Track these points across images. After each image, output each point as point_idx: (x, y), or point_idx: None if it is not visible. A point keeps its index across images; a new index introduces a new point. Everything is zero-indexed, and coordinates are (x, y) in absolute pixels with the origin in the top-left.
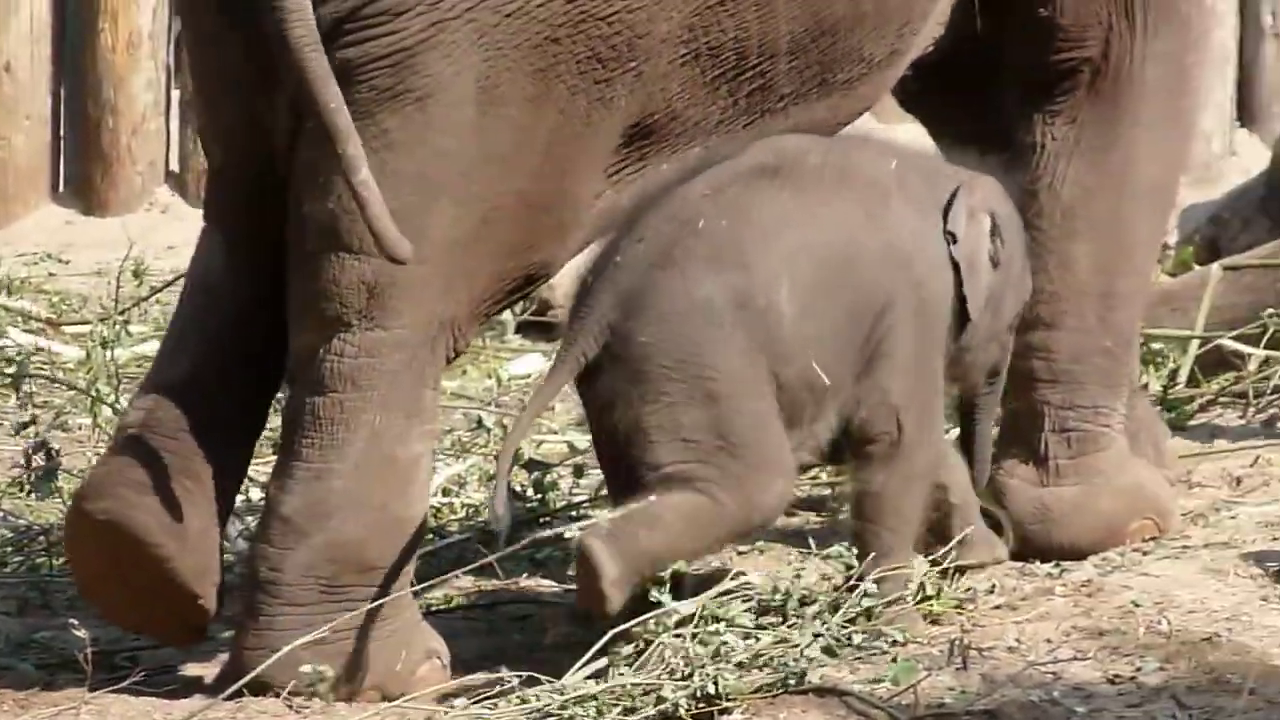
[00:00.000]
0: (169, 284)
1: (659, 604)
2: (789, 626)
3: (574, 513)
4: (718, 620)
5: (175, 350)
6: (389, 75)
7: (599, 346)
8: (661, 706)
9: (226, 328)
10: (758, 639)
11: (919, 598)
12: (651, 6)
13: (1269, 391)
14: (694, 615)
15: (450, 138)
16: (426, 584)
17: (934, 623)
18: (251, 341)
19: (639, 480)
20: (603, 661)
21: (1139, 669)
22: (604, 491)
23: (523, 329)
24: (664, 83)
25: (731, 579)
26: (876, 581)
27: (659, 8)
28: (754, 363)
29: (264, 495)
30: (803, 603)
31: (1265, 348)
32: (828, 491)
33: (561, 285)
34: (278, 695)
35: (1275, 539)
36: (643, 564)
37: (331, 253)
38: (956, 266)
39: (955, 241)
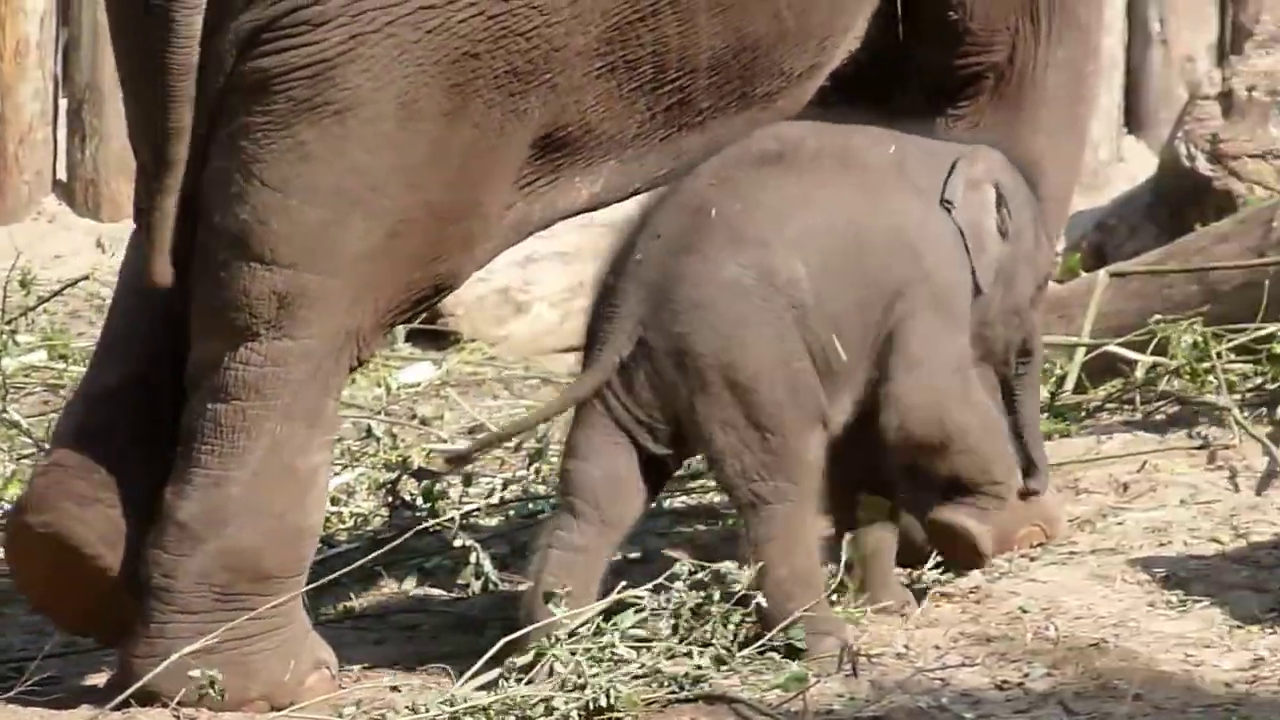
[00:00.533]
0: (56, 293)
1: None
2: (680, 637)
3: (464, 521)
4: (607, 632)
5: (108, 354)
6: (307, 87)
7: (633, 344)
8: (553, 717)
9: (158, 330)
10: (649, 649)
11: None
12: (570, 21)
13: (1156, 398)
14: (585, 626)
15: (366, 152)
16: (315, 588)
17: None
18: (184, 343)
19: (713, 462)
20: (494, 672)
21: (1026, 675)
22: (493, 499)
23: (413, 337)
24: (579, 95)
25: (619, 591)
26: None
27: (578, 21)
28: (784, 335)
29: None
30: (694, 613)
31: (1152, 354)
32: (719, 499)
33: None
34: (165, 705)
35: (1162, 545)
36: None
37: (243, 262)
38: (964, 237)
39: (952, 209)
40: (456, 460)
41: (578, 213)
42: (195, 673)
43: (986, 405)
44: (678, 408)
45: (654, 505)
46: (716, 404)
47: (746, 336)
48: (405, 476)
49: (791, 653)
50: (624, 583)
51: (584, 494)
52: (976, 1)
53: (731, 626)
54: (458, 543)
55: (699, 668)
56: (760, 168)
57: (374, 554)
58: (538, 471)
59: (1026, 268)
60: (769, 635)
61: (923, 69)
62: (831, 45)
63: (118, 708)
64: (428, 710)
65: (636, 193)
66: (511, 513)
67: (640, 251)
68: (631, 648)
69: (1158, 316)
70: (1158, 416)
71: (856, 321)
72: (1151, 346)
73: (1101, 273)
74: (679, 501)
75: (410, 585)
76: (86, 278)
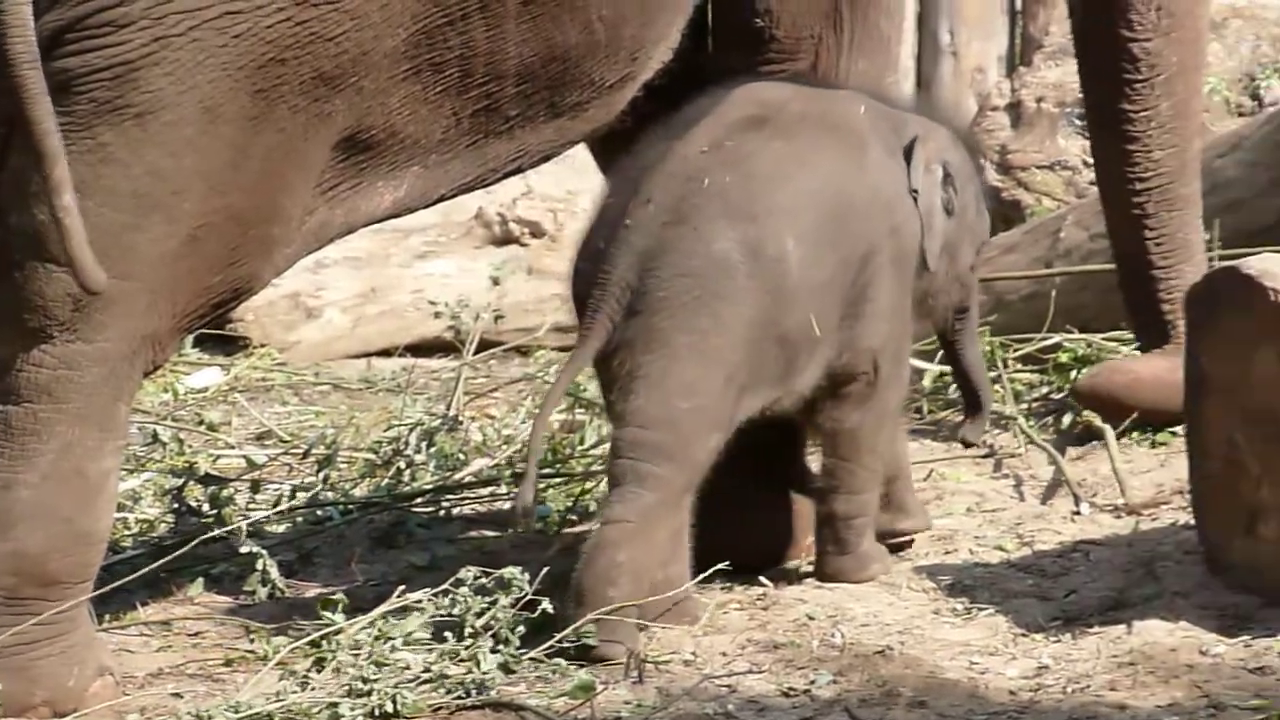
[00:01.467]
0: None
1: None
2: (465, 643)
3: (251, 528)
4: (392, 637)
5: None
6: (109, 88)
7: (622, 308)
8: None
9: None
10: (434, 654)
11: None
12: (380, 24)
13: (942, 407)
14: (369, 631)
15: (168, 156)
16: (100, 594)
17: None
18: None
19: (620, 419)
20: (279, 678)
21: (813, 682)
22: (281, 506)
23: (201, 342)
24: (384, 98)
25: (399, 596)
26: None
27: (387, 25)
28: (761, 316)
29: None
30: (479, 617)
31: (940, 363)
32: (509, 506)
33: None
34: None
35: (948, 553)
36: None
37: (39, 263)
38: (921, 220)
39: (918, 196)
40: (525, 512)
41: (380, 219)
42: None
43: (905, 391)
44: (630, 362)
45: (441, 513)
46: (664, 366)
47: (723, 312)
48: (192, 482)
49: (581, 652)
50: (403, 587)
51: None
52: (782, 10)
53: (518, 632)
54: (244, 549)
55: (485, 673)
56: (748, 133)
57: (160, 560)
58: (326, 479)
59: (969, 239)
60: (558, 638)
61: (729, 76)
62: (644, 56)
63: None
64: (212, 717)
65: (441, 199)
66: (299, 520)
67: (631, 218)
68: (416, 653)
69: None
70: (944, 425)
71: (837, 286)
72: (939, 356)
73: None
74: (468, 509)
75: (196, 591)
76: None
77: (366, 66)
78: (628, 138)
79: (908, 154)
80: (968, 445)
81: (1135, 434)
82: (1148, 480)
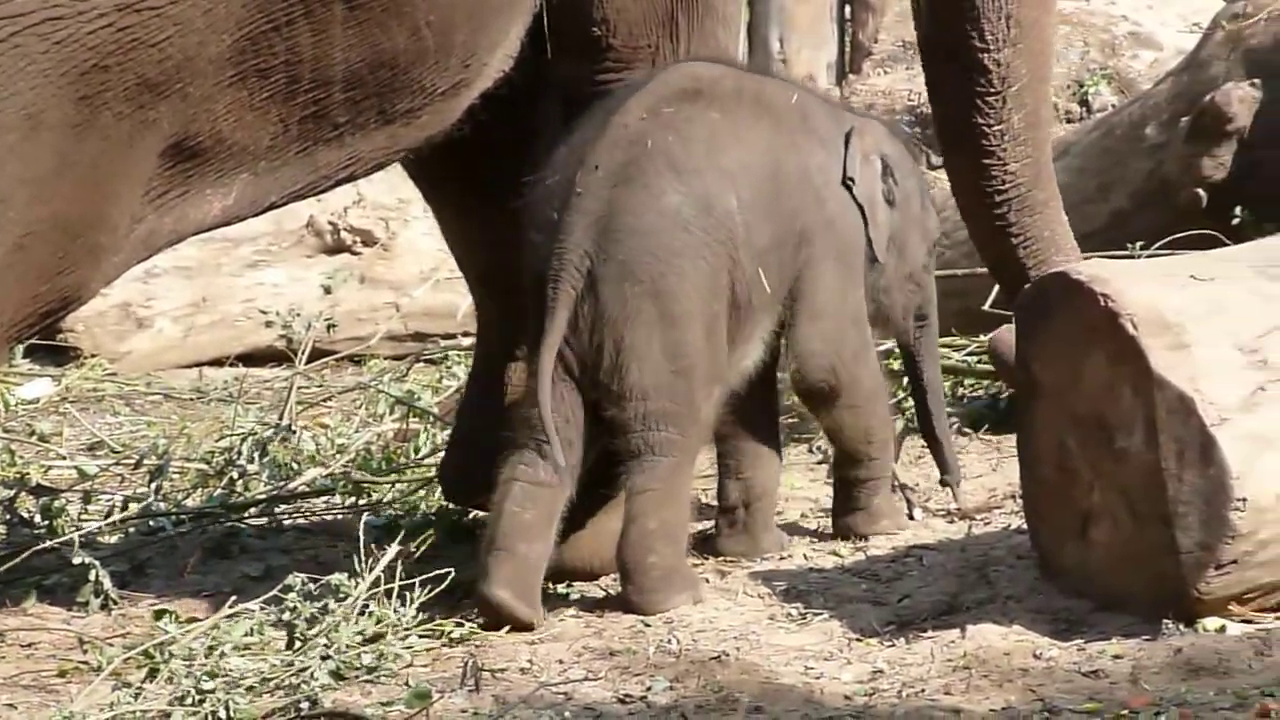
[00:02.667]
0: None
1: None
2: (296, 650)
3: (83, 539)
4: (222, 646)
5: None
6: None
7: (583, 275)
8: None
9: None
10: (267, 662)
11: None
12: (204, 30)
13: (782, 412)
14: (203, 639)
15: None
16: None
17: (446, 644)
18: None
19: (619, 398)
20: (112, 688)
21: (649, 688)
22: (113, 517)
23: (32, 353)
24: (210, 104)
25: (230, 605)
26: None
27: (211, 31)
28: (717, 269)
29: None
30: (311, 624)
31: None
32: (349, 517)
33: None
34: None
35: (783, 558)
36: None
37: None
38: (862, 209)
39: (854, 185)
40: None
41: (210, 227)
42: None
43: (878, 367)
44: (612, 338)
45: (276, 524)
46: (646, 336)
47: (684, 266)
48: (23, 494)
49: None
50: (235, 597)
51: (545, 434)
52: (619, 19)
53: (346, 638)
54: (77, 560)
55: (313, 677)
56: (684, 103)
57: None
58: (158, 490)
59: (916, 233)
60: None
61: (566, 84)
62: (477, 63)
63: None
64: None
65: (271, 207)
66: (131, 530)
67: (580, 185)
68: (250, 661)
69: None
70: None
71: (774, 259)
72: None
73: None
74: (301, 518)
75: (29, 603)
76: None
77: (191, 73)
78: (459, 150)
79: (846, 144)
80: (955, 485)
81: (969, 437)
82: (980, 485)
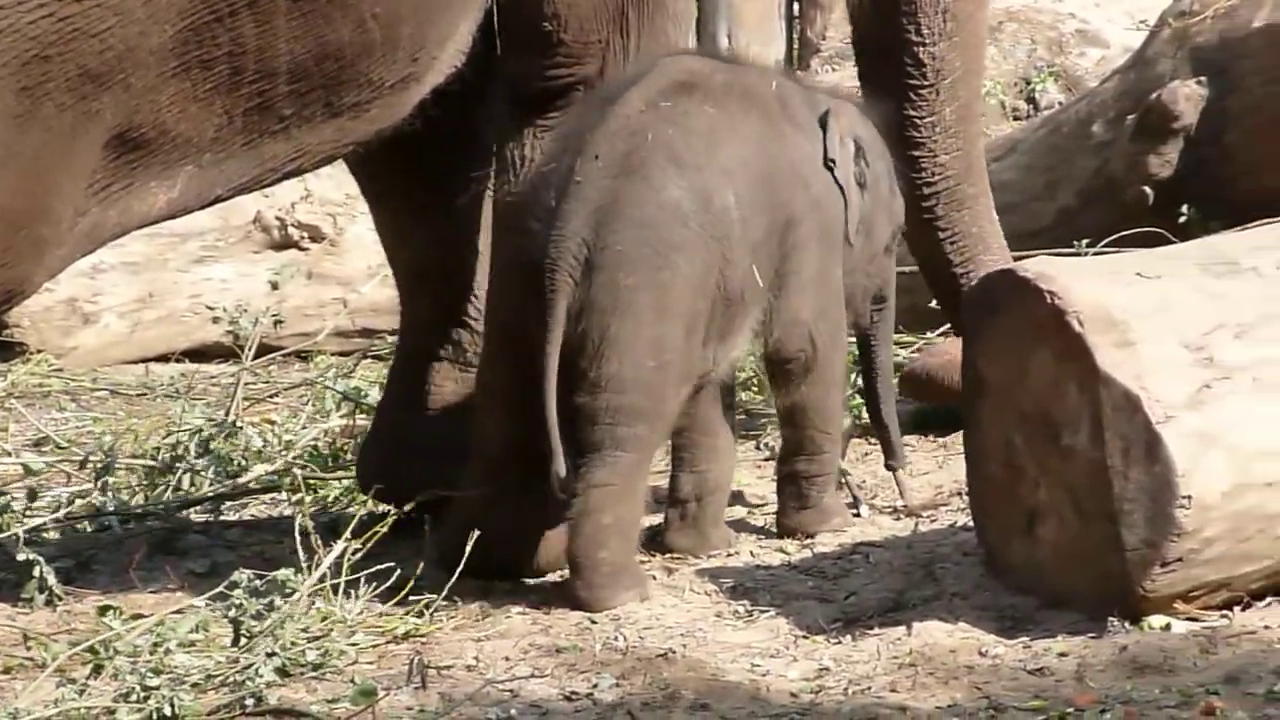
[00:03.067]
0: None
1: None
2: (242, 647)
3: (28, 535)
4: (167, 642)
5: None
6: None
7: (580, 264)
8: None
9: None
10: (212, 659)
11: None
12: (145, 20)
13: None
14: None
15: None
16: None
17: (392, 641)
18: None
19: (594, 386)
20: (57, 685)
21: (595, 685)
22: (59, 514)
23: None
24: (153, 95)
25: (176, 602)
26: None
27: (153, 21)
28: (711, 266)
29: None
30: (257, 620)
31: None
32: (289, 512)
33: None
34: None
35: (730, 555)
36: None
37: None
38: (842, 190)
39: (834, 168)
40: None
41: (155, 220)
42: None
43: (845, 355)
44: (598, 326)
45: (221, 520)
46: (633, 329)
47: (679, 261)
48: None
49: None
50: (180, 593)
51: (549, 436)
52: (570, 13)
53: (296, 635)
54: (22, 556)
55: (258, 674)
56: (680, 96)
57: None
58: (104, 486)
59: (884, 215)
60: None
61: (515, 80)
62: (426, 57)
63: None
64: None
65: (217, 200)
66: (77, 527)
67: (580, 174)
68: (195, 658)
69: None
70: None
71: (764, 250)
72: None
73: None
74: (248, 514)
75: None
76: None
77: (134, 63)
78: (404, 144)
79: (822, 126)
80: (896, 470)
81: (916, 435)
82: (926, 482)
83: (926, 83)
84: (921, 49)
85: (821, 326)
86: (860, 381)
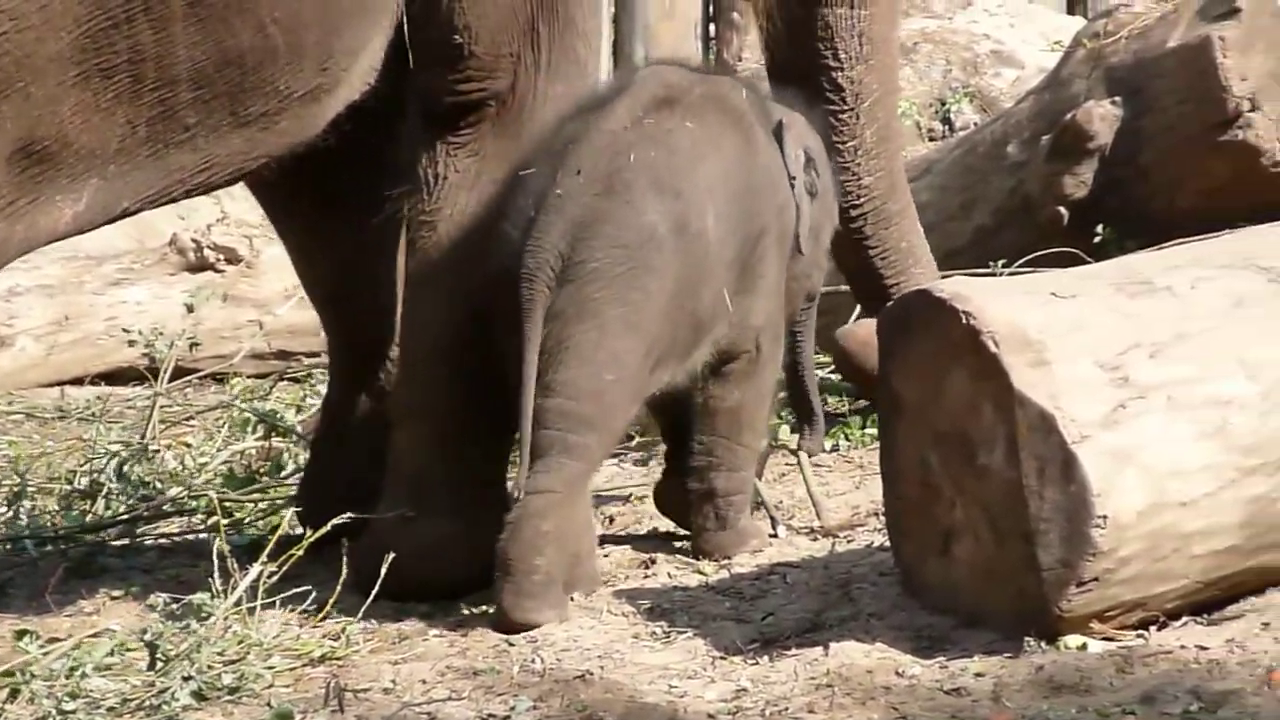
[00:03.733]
0: None
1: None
2: (158, 671)
3: None
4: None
5: None
6: None
7: (555, 275)
8: None
9: None
10: (127, 683)
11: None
12: (41, 27)
13: (639, 434)
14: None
15: None
16: None
17: (308, 664)
18: None
19: (546, 388)
20: None
21: (513, 708)
22: None
23: None
24: (54, 106)
25: (93, 626)
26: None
27: (48, 28)
28: (680, 290)
29: None
30: (172, 644)
31: None
32: (206, 536)
33: None
34: None
35: (647, 577)
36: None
37: None
38: (796, 200)
39: (794, 182)
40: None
41: (63, 235)
42: None
43: (779, 365)
44: (559, 332)
45: (138, 543)
46: (594, 339)
47: (651, 285)
48: None
49: (500, 622)
50: (96, 617)
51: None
52: (481, 26)
53: (212, 659)
54: None
55: (175, 698)
56: (663, 112)
57: None
58: (19, 509)
59: (829, 224)
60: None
61: (427, 94)
62: (335, 68)
63: None
64: None
65: (126, 213)
66: None
67: (561, 187)
68: (111, 681)
69: None
70: (643, 453)
71: (737, 264)
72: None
73: None
74: (164, 537)
75: None
76: None
77: (31, 72)
78: (313, 163)
79: (777, 137)
80: (811, 455)
81: (833, 456)
82: (843, 502)
83: (846, 106)
84: (839, 73)
85: (768, 331)
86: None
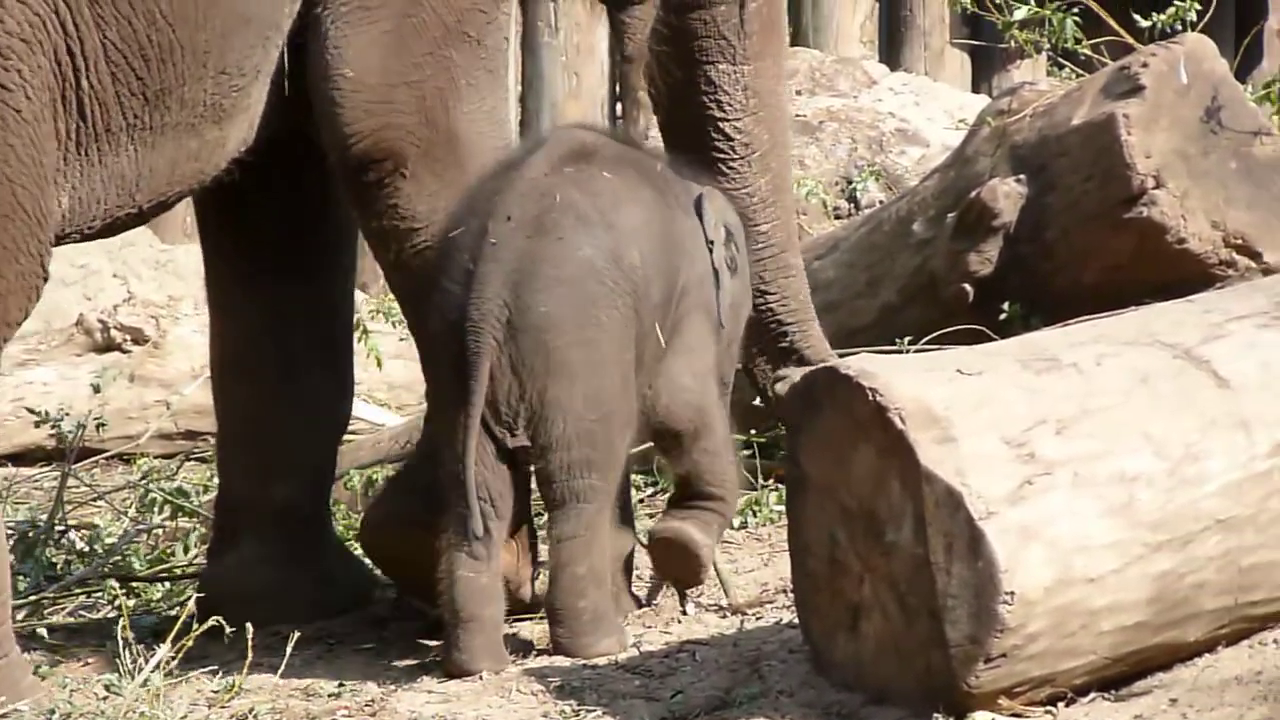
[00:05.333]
0: None
1: None
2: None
3: None
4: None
5: None
6: None
7: (502, 325)
8: None
9: None
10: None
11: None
12: None
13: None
14: None
15: None
16: None
17: None
18: None
19: (544, 449)
20: None
21: None
22: None
23: None
24: None
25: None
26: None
27: None
28: (628, 320)
29: None
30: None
31: None
32: (113, 615)
33: None
34: None
35: (556, 654)
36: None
37: None
38: (716, 274)
39: (713, 249)
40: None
41: None
42: None
43: (727, 423)
44: (535, 389)
45: (44, 622)
46: (569, 388)
47: (601, 316)
48: None
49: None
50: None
51: (467, 498)
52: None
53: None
54: None
55: None
56: (580, 162)
57: None
58: None
59: (747, 301)
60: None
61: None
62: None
63: None
64: None
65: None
66: None
67: (494, 235)
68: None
69: None
70: None
71: (660, 314)
72: None
73: None
74: (69, 619)
75: None
76: None
77: None
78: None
79: (698, 210)
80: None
81: (742, 533)
82: (752, 579)
83: (736, 156)
84: (726, 123)
85: (706, 394)
86: None
